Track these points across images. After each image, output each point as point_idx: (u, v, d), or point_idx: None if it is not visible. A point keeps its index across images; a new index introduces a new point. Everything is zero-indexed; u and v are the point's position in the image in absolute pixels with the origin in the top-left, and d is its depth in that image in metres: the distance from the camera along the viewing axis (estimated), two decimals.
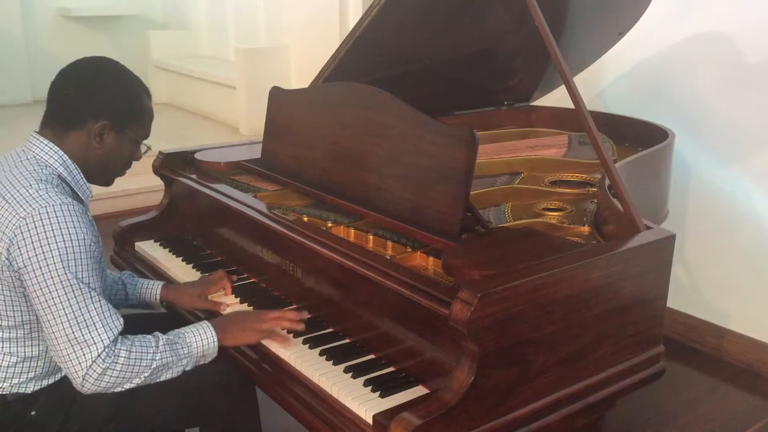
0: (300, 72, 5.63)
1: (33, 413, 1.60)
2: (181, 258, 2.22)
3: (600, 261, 1.55)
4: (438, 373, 1.48)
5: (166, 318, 1.94)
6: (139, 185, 4.80)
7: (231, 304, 1.90)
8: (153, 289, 1.95)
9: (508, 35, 2.51)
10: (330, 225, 1.88)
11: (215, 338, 1.64)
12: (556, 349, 1.51)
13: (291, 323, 1.70)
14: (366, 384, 1.52)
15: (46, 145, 1.61)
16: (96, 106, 1.63)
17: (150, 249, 2.31)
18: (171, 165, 2.40)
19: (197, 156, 2.38)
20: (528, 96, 2.98)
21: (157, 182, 2.49)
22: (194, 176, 2.30)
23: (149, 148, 1.77)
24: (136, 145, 1.73)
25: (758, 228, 2.90)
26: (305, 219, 1.93)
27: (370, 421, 1.42)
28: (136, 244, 2.36)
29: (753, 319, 2.95)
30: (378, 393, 1.48)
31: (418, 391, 1.50)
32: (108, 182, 1.75)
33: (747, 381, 2.88)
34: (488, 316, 1.35)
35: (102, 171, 1.71)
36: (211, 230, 2.25)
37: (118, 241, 2.39)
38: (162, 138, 5.61)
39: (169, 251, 2.28)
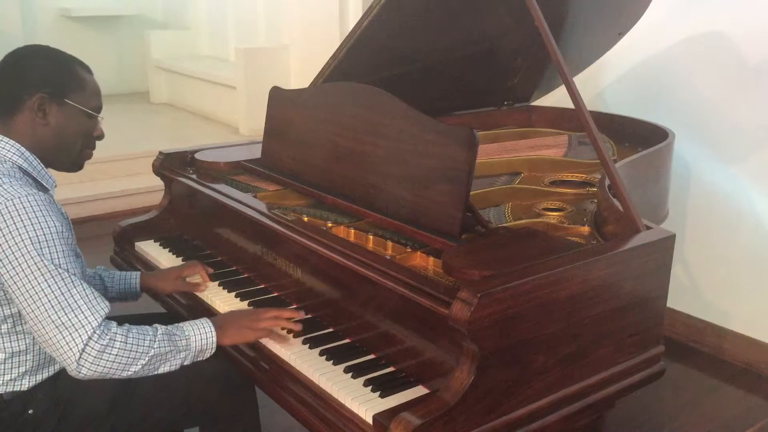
0: (300, 72, 5.64)
1: (30, 411, 1.59)
2: (181, 258, 2.22)
3: (600, 261, 1.55)
4: (438, 373, 1.48)
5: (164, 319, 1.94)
6: (139, 185, 4.81)
7: (231, 304, 1.89)
8: (132, 279, 1.97)
9: (508, 35, 2.51)
10: (330, 225, 1.88)
11: (214, 335, 1.62)
12: (556, 349, 1.51)
13: (288, 323, 1.70)
14: (366, 384, 1.52)
15: (0, 139, 1.60)
16: (28, 82, 1.60)
17: (150, 249, 2.31)
18: (171, 165, 2.40)
19: (197, 156, 2.39)
20: (528, 96, 2.98)
21: (157, 182, 2.49)
22: (194, 176, 2.30)
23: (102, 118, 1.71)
24: (90, 119, 1.67)
25: (758, 228, 2.90)
26: (305, 219, 1.93)
27: (370, 421, 1.42)
28: (136, 244, 2.36)
29: (753, 319, 2.96)
30: (378, 393, 1.48)
31: (418, 391, 1.50)
32: (73, 165, 1.70)
33: (747, 381, 2.88)
34: (488, 316, 1.35)
35: (60, 152, 1.66)
36: (211, 230, 2.25)
37: (118, 241, 2.39)
38: (162, 138, 5.66)
39: (169, 251, 2.28)
